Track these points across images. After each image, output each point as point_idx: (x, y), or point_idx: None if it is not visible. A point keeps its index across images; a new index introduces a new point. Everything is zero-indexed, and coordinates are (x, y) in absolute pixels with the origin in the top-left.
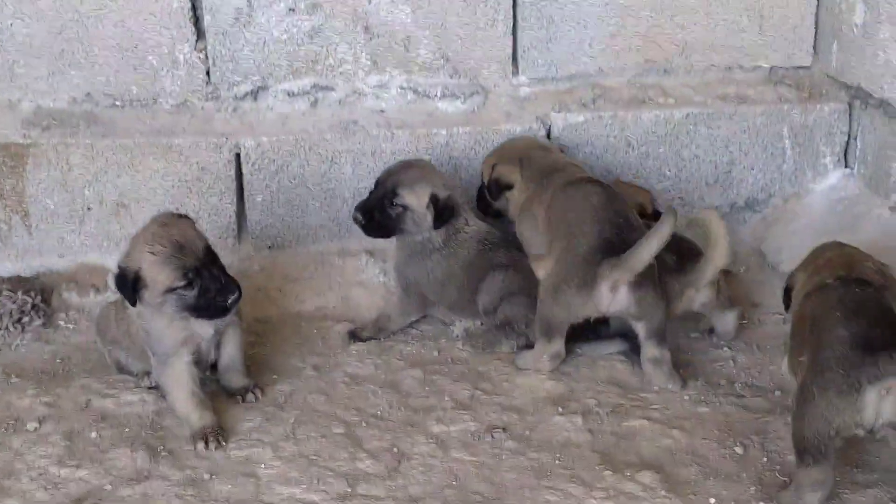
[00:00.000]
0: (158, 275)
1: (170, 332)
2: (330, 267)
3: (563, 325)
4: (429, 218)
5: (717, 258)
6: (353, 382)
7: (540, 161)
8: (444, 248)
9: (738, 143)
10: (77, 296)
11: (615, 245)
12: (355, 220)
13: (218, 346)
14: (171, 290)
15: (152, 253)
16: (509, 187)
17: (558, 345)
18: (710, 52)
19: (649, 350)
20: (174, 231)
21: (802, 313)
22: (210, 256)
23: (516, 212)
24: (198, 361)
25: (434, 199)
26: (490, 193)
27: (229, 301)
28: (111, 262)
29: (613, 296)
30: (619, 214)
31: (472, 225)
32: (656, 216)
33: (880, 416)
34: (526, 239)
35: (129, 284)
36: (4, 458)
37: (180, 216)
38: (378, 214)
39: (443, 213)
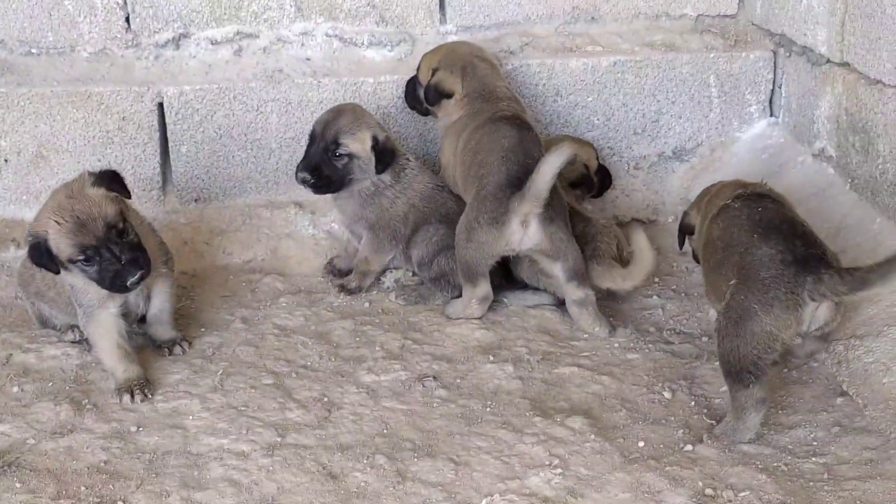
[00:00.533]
0: (60, 244)
1: (95, 287)
2: (258, 219)
3: (483, 267)
4: (373, 162)
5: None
6: (283, 334)
7: (483, 79)
8: (396, 185)
9: (665, 91)
10: None
11: (523, 183)
12: (303, 181)
13: (148, 297)
14: (72, 262)
15: (57, 223)
16: (448, 96)
17: (484, 288)
18: (637, 0)
19: (572, 291)
20: (78, 206)
21: (710, 237)
22: (114, 233)
23: (445, 119)
24: (126, 314)
25: (375, 142)
26: (427, 97)
27: (129, 282)
28: (31, 216)
29: (525, 230)
30: (529, 155)
31: (413, 160)
32: (602, 172)
33: (814, 323)
34: (443, 154)
35: (43, 251)
36: None
37: (95, 181)
38: (326, 169)
39: (383, 155)
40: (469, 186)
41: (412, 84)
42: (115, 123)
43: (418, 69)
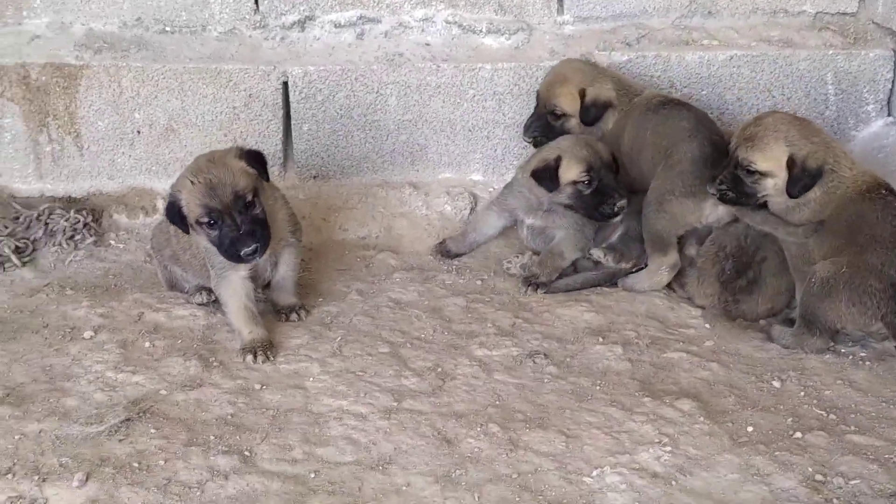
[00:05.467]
0: (190, 204)
1: None
2: (373, 198)
3: (673, 236)
4: None
5: None
6: (398, 307)
7: (618, 79)
8: None
9: (780, 87)
10: (126, 217)
11: (715, 158)
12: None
13: (275, 264)
14: (199, 223)
15: (191, 182)
16: (610, 105)
17: (674, 256)
18: None
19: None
20: (214, 170)
21: (858, 215)
22: (240, 203)
23: (598, 130)
24: (254, 277)
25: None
26: (589, 116)
27: (242, 252)
28: (160, 186)
29: (716, 204)
30: (714, 132)
31: None
32: None
33: None
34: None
35: (176, 210)
36: (62, 362)
37: (239, 154)
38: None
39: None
40: (654, 168)
41: (540, 118)
42: (241, 100)
43: (548, 104)
